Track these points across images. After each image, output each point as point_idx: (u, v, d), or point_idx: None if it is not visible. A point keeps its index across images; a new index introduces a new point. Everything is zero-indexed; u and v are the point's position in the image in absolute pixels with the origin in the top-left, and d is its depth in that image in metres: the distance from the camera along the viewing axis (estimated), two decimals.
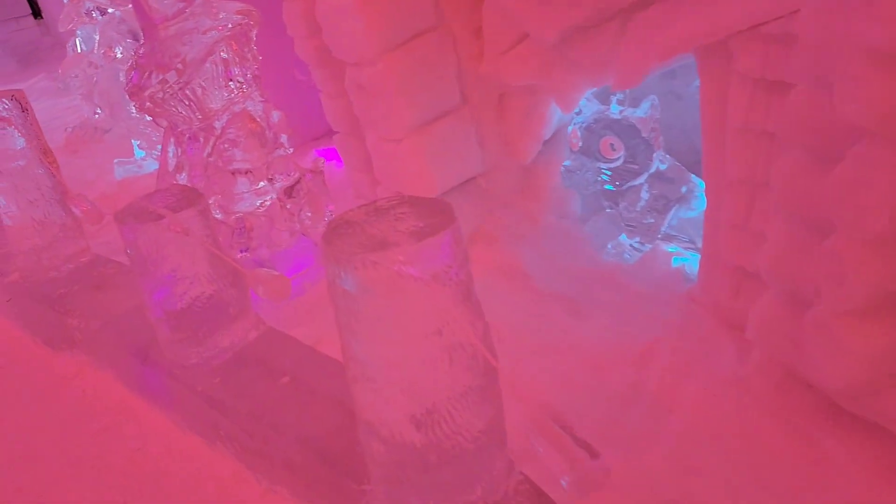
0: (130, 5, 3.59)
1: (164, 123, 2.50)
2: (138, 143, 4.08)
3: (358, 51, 2.57)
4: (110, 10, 3.75)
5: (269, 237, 2.70)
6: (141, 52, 2.38)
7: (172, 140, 2.56)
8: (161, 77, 2.29)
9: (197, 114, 2.39)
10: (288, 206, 2.69)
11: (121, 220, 1.96)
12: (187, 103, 2.36)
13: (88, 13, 3.71)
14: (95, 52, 3.76)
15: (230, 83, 2.41)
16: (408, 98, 2.60)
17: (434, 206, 1.37)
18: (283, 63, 3.80)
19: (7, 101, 2.51)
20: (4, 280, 2.85)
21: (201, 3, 2.38)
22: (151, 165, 4.07)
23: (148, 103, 2.37)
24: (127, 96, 2.43)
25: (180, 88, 2.33)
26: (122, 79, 3.91)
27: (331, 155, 3.90)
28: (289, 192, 2.67)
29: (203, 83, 2.35)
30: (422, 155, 2.69)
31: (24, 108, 2.58)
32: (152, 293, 2.05)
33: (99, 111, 5.06)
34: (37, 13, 9.27)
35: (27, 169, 2.62)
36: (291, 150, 2.64)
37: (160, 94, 2.31)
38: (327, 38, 2.74)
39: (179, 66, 2.28)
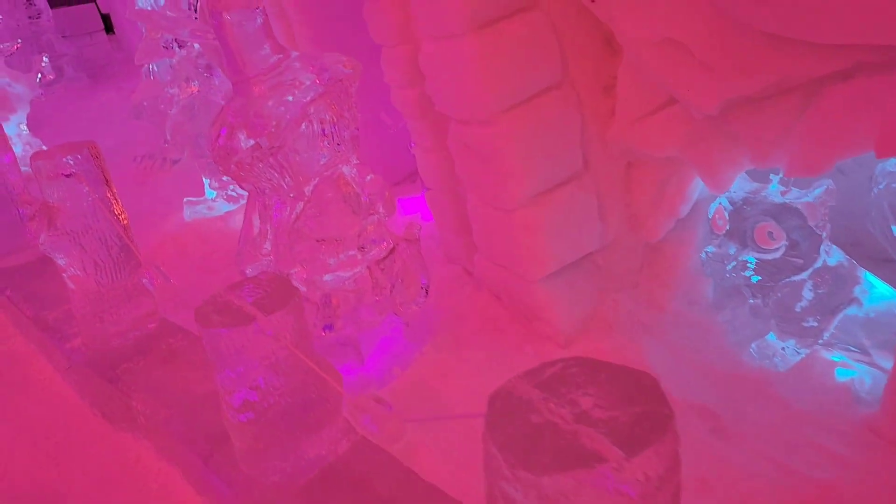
0: (214, 38, 3.34)
1: (249, 187, 2.20)
2: (209, 181, 3.83)
3: (471, 108, 2.24)
4: (189, 44, 3.51)
5: (356, 314, 2.38)
6: (230, 108, 2.09)
7: (257, 205, 2.26)
8: (252, 142, 1.99)
9: (288, 180, 2.09)
10: (379, 280, 2.36)
11: (203, 320, 1.65)
12: (278, 169, 2.05)
13: (168, 46, 3.47)
14: (172, 86, 3.52)
15: (326, 145, 2.09)
16: (526, 164, 2.25)
17: (631, 381, 1.02)
18: (367, 101, 3.51)
19: (78, 155, 2.25)
20: (65, 345, 2.59)
21: (298, 57, 2.08)
22: (223, 207, 3.81)
23: (234, 168, 2.07)
24: (212, 157, 2.14)
25: (272, 154, 2.02)
26: (195, 113, 3.67)
27: (413, 205, 3.58)
28: (381, 263, 2.35)
29: (297, 147, 2.04)
30: (536, 228, 2.34)
31: (97, 162, 2.32)
32: (230, 395, 1.74)
33: (168, 140, 4.85)
34: (109, 28, 9.27)
35: (95, 227, 2.35)
36: (387, 216, 2.32)
37: (249, 160, 2.01)
38: (433, 90, 2.42)
39: (273, 129, 1.98)
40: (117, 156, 5.34)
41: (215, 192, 3.81)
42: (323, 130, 2.09)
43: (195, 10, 3.50)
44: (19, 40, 5.23)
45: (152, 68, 4.90)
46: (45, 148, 5.62)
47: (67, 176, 2.23)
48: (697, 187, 2.35)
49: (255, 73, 2.02)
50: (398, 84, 2.64)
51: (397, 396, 2.33)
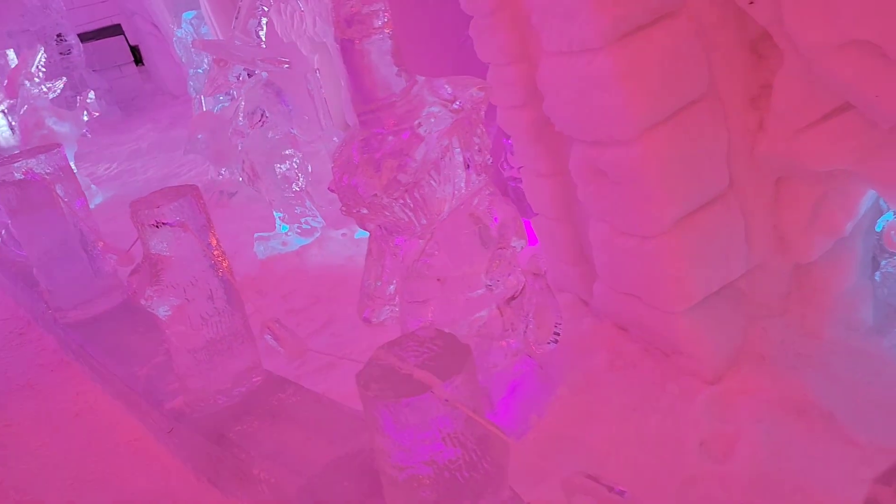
0: (285, 65, 3.17)
1: (373, 227, 2.01)
2: (281, 215, 3.64)
3: (609, 128, 2.03)
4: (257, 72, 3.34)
5: (486, 360, 2.17)
6: (354, 143, 1.89)
7: (381, 246, 2.06)
8: (388, 179, 1.79)
9: (422, 218, 1.88)
10: (511, 320, 2.15)
11: (365, 387, 1.44)
12: (413, 206, 1.85)
13: (238, 77, 3.30)
14: (241, 119, 3.34)
15: (463, 176, 1.89)
16: (670, 186, 2.04)
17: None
18: None
19: (182, 202, 2.06)
20: (165, 405, 2.39)
21: (426, 82, 1.88)
22: (296, 241, 3.62)
23: (364, 210, 1.88)
24: (339, 198, 1.94)
25: (408, 190, 1.82)
26: (268, 144, 3.49)
27: None
28: (512, 301, 2.14)
29: (435, 181, 1.84)
30: (680, 255, 2.12)
31: (201, 207, 2.14)
32: (400, 472, 1.52)
33: (223, 172, 4.69)
34: (138, 60, 9.20)
35: (201, 277, 2.16)
36: (519, 249, 2.11)
37: (385, 199, 1.81)
38: (554, 110, 2.22)
39: (412, 164, 1.78)
40: None
41: (287, 227, 3.63)
42: (460, 161, 1.89)
43: (262, 38, 3.32)
44: (64, 78, 5.10)
45: (203, 100, 4.76)
46: (94, 187, 5.48)
47: (173, 225, 2.04)
48: (866, 202, 2.12)
49: (383, 102, 1.82)
50: (510, 105, 2.44)
51: (539, 448, 2.11)
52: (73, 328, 3.07)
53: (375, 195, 1.81)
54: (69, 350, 3.19)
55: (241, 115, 3.38)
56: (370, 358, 1.53)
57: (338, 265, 3.45)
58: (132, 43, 9.02)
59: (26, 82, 4.73)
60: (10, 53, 7.30)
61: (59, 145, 2.96)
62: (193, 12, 5.99)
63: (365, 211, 1.90)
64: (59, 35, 8.07)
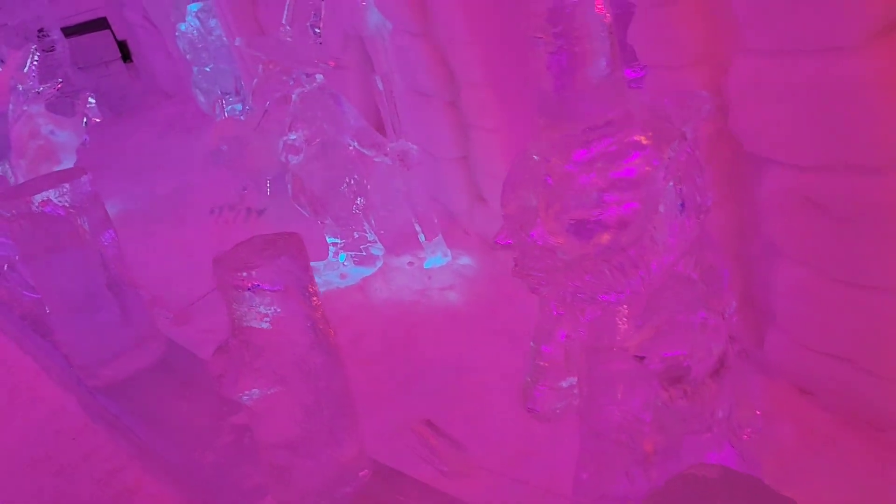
0: (344, 65, 2.64)
1: (551, 293, 1.49)
2: (338, 241, 3.10)
3: (855, 151, 1.55)
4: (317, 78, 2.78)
5: (676, 450, 1.67)
6: (542, 186, 1.37)
7: (555, 313, 1.55)
8: (602, 237, 1.28)
9: (636, 280, 1.38)
10: (710, 399, 1.65)
11: None
12: (625, 267, 1.35)
13: (298, 80, 2.76)
14: (294, 129, 2.79)
15: (684, 224, 1.39)
16: None
17: None
18: None
19: (284, 261, 1.53)
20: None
21: (643, 95, 1.38)
22: (356, 273, 3.08)
23: (556, 271, 1.37)
24: (520, 257, 1.42)
25: (622, 249, 1.32)
26: (328, 159, 2.95)
27: None
28: (715, 375, 1.64)
29: (654, 233, 1.34)
30: None
31: (305, 267, 1.61)
32: None
33: (246, 187, 4.14)
34: (126, 56, 8.51)
35: (304, 356, 1.63)
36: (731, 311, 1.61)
37: (598, 262, 1.30)
38: (753, 125, 1.73)
39: (634, 217, 1.27)
40: (183, 207, 4.60)
41: (345, 255, 3.09)
42: (682, 205, 1.38)
43: (318, 34, 2.78)
44: (60, 80, 4.49)
45: (224, 104, 4.19)
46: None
47: (274, 291, 1.51)
48: None
49: (591, 124, 1.31)
50: None
51: None
52: (103, 392, 2.52)
53: (588, 258, 1.30)
54: (96, 416, 2.64)
55: (296, 128, 2.83)
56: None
57: (410, 302, 2.93)
58: (119, 38, 8.33)
59: (19, 86, 4.13)
60: None
61: (83, 171, 2.40)
62: (199, 4, 5.39)
63: (541, 276, 1.38)
64: (40, 30, 7.36)
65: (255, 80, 2.82)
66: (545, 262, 1.38)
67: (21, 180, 4.32)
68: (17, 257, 2.93)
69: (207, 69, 5.52)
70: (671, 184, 1.37)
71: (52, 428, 2.77)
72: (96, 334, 2.57)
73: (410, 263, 3.11)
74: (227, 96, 5.47)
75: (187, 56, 5.58)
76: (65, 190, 2.28)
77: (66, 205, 2.29)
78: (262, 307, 1.56)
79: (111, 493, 2.42)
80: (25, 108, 4.19)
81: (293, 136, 2.84)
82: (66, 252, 2.41)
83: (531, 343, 1.61)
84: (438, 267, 3.04)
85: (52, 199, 2.28)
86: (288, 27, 2.73)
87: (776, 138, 1.69)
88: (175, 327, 2.17)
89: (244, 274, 1.50)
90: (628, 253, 1.33)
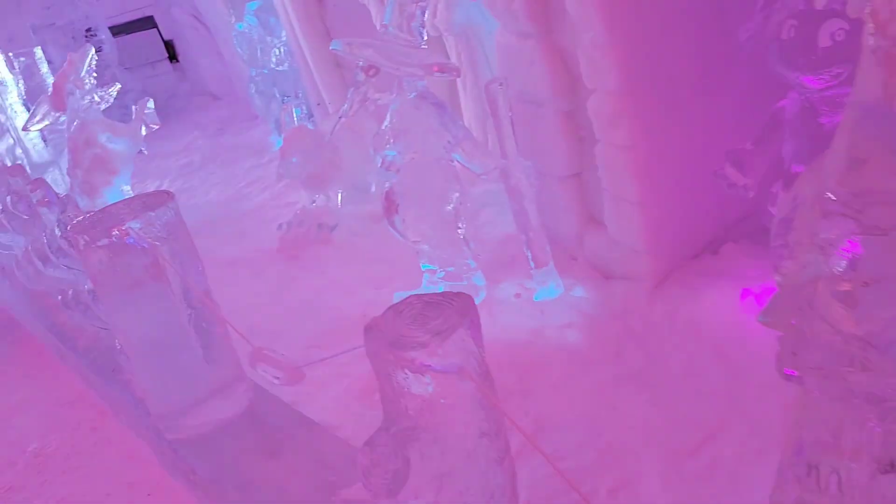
0: (453, 69, 2.31)
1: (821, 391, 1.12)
2: (432, 269, 2.76)
3: None
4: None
5: None
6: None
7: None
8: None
9: None
10: None
11: None
12: None
13: (400, 86, 2.42)
14: (398, 147, 2.45)
15: None
16: None
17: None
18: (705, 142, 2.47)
19: (463, 335, 1.19)
20: None
21: None
22: None
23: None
24: None
25: None
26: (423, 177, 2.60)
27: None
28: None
29: None
30: None
31: (479, 334, 1.26)
32: None
33: (316, 199, 3.82)
34: (173, 56, 8.28)
35: (476, 446, 1.29)
36: None
37: None
38: None
39: None
40: (246, 223, 4.29)
41: (428, 276, 2.75)
42: None
43: (423, 36, 2.44)
44: (118, 84, 4.22)
45: (292, 110, 3.88)
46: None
47: (448, 373, 1.17)
48: None
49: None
50: None
51: None
52: (184, 446, 2.21)
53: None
54: (174, 469, 2.33)
55: (395, 141, 2.50)
56: None
57: (523, 343, 2.57)
58: (166, 37, 8.10)
59: (76, 91, 3.85)
60: (38, 52, 6.42)
61: (169, 195, 2.08)
62: (258, 1, 5.10)
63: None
64: (88, 29, 7.16)
65: (353, 88, 2.49)
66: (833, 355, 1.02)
67: (77, 191, 4.06)
68: (85, 286, 2.63)
69: (265, 71, 5.24)
70: None
71: (124, 479, 2.47)
72: (177, 378, 2.26)
73: (518, 295, 2.76)
74: (287, 99, 5.18)
75: (244, 57, 5.30)
76: (150, 219, 1.96)
77: (151, 236, 1.98)
78: (427, 390, 1.22)
79: None
80: (82, 114, 3.92)
81: (392, 153, 2.50)
82: (147, 287, 2.10)
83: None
84: (551, 300, 2.69)
85: (135, 229, 1.97)
86: (391, 28, 2.38)
87: None
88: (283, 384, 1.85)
89: (412, 354, 1.16)
90: None
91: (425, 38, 2.45)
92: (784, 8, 1.97)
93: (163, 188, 5.47)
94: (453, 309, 1.24)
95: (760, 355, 2.25)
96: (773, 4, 2.03)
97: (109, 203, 4.09)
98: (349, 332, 2.87)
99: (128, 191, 4.21)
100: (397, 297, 2.86)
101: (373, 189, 3.97)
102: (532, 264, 2.68)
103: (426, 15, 2.44)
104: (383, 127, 2.57)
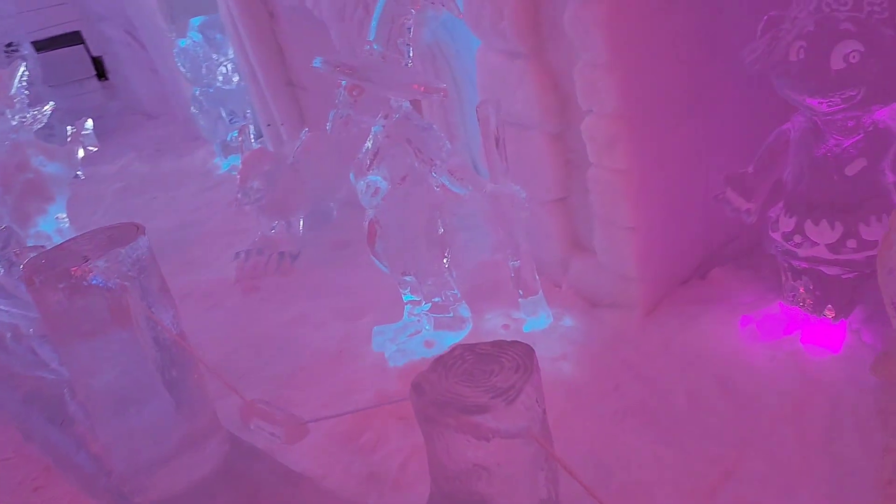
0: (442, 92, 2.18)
1: None
2: (414, 300, 2.58)
3: None
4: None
5: None
6: None
7: None
8: None
9: None
10: None
11: None
12: None
13: (385, 107, 2.27)
14: (382, 171, 2.29)
15: None
16: None
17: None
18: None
19: (530, 395, 1.03)
20: None
21: None
22: (444, 338, 2.57)
23: None
24: None
25: None
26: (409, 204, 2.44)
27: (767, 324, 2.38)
28: None
29: None
30: None
31: (541, 393, 1.11)
32: None
33: (275, 226, 3.60)
34: (101, 74, 7.83)
35: None
36: None
37: None
38: None
39: None
40: (196, 251, 4.00)
41: (415, 318, 2.58)
42: None
43: (409, 55, 2.30)
44: (52, 103, 3.88)
45: (249, 131, 3.66)
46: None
47: (512, 437, 1.01)
48: None
49: None
50: None
51: None
52: None
53: None
54: None
55: (379, 165, 2.33)
56: None
57: None
58: (94, 53, 7.65)
59: (6, 111, 3.52)
60: None
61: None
62: (202, 17, 4.84)
63: None
64: (9, 44, 6.68)
65: (335, 110, 2.31)
66: None
67: (7, 219, 3.69)
68: (31, 329, 2.35)
69: (210, 90, 4.97)
70: None
71: None
72: (142, 433, 2.01)
73: (506, 326, 2.62)
74: (235, 119, 4.93)
75: (187, 75, 5.01)
76: (119, 256, 1.73)
77: (119, 276, 1.75)
78: (487, 457, 1.06)
79: None
80: (13, 136, 3.58)
81: (376, 178, 2.34)
82: (111, 332, 1.86)
83: None
84: (541, 331, 2.56)
85: (101, 267, 1.74)
86: (375, 46, 2.23)
87: None
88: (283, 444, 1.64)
89: (477, 418, 1.00)
90: None
91: (411, 55, 2.30)
92: (792, 29, 1.93)
93: (97, 214, 5.11)
94: (513, 362, 1.09)
95: (769, 387, 2.20)
96: (780, 25, 1.99)
97: (42, 232, 3.83)
98: (326, 371, 2.71)
99: (63, 219, 3.87)
100: (377, 331, 2.68)
101: (334, 214, 3.79)
102: (520, 293, 2.55)
103: (411, 32, 2.29)
104: (364, 150, 2.41)
